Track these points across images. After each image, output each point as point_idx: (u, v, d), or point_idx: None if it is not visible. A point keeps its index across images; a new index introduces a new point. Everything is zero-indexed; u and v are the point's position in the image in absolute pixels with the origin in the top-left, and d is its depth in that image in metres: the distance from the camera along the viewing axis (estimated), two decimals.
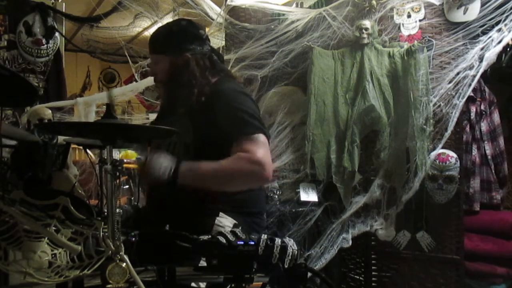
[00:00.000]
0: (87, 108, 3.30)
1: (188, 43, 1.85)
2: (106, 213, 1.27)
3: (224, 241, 1.28)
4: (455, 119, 2.88)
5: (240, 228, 1.42)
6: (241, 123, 1.70)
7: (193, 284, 1.45)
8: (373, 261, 3.16)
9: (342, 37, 3.16)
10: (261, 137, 1.69)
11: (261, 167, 1.64)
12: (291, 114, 3.25)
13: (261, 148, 1.67)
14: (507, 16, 2.74)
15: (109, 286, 1.12)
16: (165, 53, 1.86)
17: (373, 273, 3.16)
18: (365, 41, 3.06)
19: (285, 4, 3.56)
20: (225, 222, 1.70)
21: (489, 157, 3.22)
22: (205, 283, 1.43)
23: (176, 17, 3.25)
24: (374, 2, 3.08)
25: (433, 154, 2.90)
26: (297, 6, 3.38)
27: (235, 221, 1.70)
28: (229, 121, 1.71)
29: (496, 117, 3.26)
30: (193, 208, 1.69)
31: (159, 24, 3.61)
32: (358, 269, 3.23)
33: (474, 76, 2.84)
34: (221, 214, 1.71)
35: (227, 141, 1.71)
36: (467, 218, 3.04)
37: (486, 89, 3.24)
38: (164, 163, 1.61)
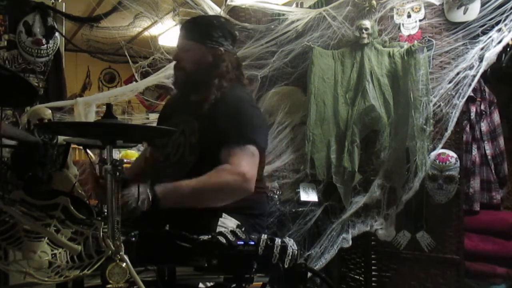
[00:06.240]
0: (87, 108, 3.30)
1: (224, 39, 1.87)
2: (106, 213, 1.27)
3: (224, 241, 1.28)
4: (455, 119, 2.88)
5: (243, 228, 1.42)
6: (235, 131, 1.71)
7: (201, 285, 1.45)
8: (373, 261, 3.16)
9: (342, 37, 3.16)
10: (252, 148, 1.70)
11: (242, 179, 1.65)
12: (291, 114, 3.25)
13: (247, 160, 1.67)
14: (507, 16, 2.74)
15: (109, 286, 1.12)
16: (200, 41, 1.86)
17: (373, 273, 3.16)
18: (365, 41, 3.06)
19: (285, 4, 3.56)
20: (229, 223, 1.70)
21: (489, 157, 3.22)
22: (212, 283, 1.43)
23: (176, 17, 3.25)
24: (374, 2, 3.08)
25: (433, 154, 2.90)
26: (297, 6, 3.38)
27: (238, 222, 1.70)
28: (225, 128, 1.72)
29: (496, 117, 3.25)
30: (196, 209, 1.69)
31: (159, 24, 3.62)
32: (358, 269, 3.23)
33: (474, 76, 2.84)
34: (224, 215, 1.71)
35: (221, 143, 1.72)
36: (467, 218, 3.04)
37: (486, 89, 3.24)
38: (141, 194, 1.57)
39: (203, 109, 1.78)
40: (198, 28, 1.90)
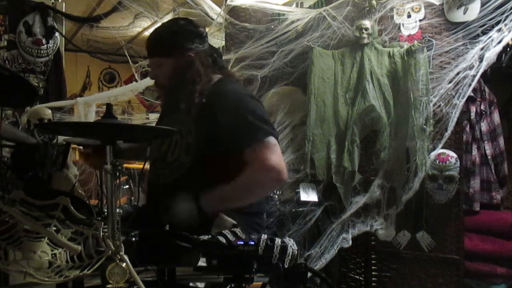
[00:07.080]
0: (87, 108, 3.30)
1: (190, 42, 1.82)
2: (106, 213, 1.27)
3: (224, 241, 1.28)
4: (455, 119, 2.88)
5: (239, 228, 1.42)
6: (252, 128, 1.71)
7: (191, 284, 1.45)
8: (373, 261, 3.16)
9: (342, 37, 3.16)
10: (272, 140, 1.72)
11: (277, 172, 1.69)
12: (291, 114, 3.25)
13: (274, 152, 1.70)
14: (507, 16, 2.74)
15: (109, 286, 1.11)
16: (168, 55, 1.82)
17: (373, 273, 3.16)
18: (365, 41, 3.06)
19: (285, 4, 3.57)
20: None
21: (489, 157, 3.22)
22: (203, 283, 1.43)
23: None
24: (374, 2, 3.08)
25: (433, 154, 2.90)
26: (297, 6, 3.39)
27: (234, 222, 1.70)
28: (239, 126, 1.71)
29: (496, 117, 3.26)
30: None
31: (159, 24, 3.62)
32: (358, 269, 3.23)
33: (474, 76, 2.84)
34: (220, 215, 1.71)
35: (231, 143, 1.71)
36: (467, 218, 3.04)
37: (486, 89, 3.24)
38: (187, 207, 1.63)
39: (193, 111, 1.77)
40: (160, 42, 1.85)
